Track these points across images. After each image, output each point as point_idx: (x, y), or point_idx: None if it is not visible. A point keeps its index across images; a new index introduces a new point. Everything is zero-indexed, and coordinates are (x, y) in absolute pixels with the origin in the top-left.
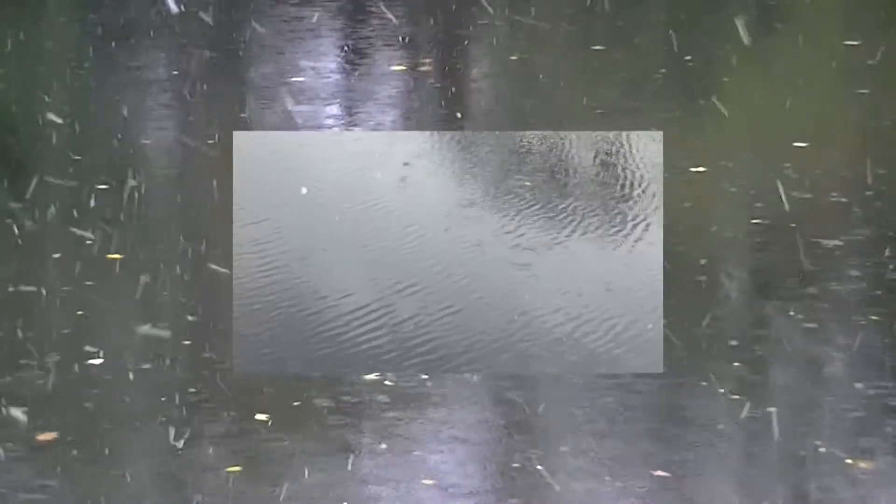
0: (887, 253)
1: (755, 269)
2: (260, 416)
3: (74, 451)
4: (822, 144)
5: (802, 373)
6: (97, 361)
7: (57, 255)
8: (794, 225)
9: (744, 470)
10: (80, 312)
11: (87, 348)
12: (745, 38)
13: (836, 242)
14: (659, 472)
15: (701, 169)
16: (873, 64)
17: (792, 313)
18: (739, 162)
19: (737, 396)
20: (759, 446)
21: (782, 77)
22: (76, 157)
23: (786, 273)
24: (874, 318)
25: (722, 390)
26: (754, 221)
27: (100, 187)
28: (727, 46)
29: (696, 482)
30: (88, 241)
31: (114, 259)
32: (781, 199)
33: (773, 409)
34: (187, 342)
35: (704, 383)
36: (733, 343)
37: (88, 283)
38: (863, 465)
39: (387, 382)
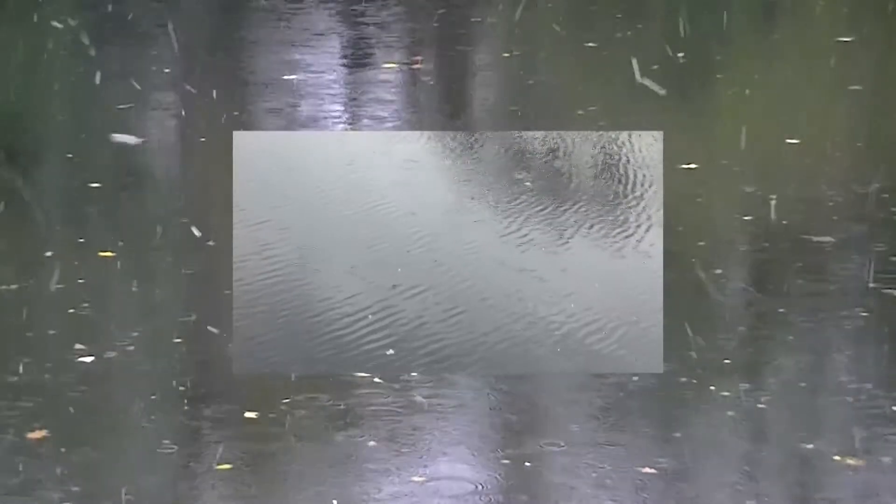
0: (880, 249)
1: (750, 266)
2: (253, 415)
3: (63, 449)
4: (815, 141)
5: (797, 370)
6: (89, 359)
7: (49, 254)
8: (786, 222)
9: (739, 468)
10: (71, 310)
11: (78, 346)
12: (739, 35)
13: (829, 239)
14: (658, 471)
15: (693, 165)
16: (867, 60)
17: (783, 310)
18: (733, 159)
19: (729, 393)
20: (755, 444)
21: (777, 73)
22: (69, 155)
23: (779, 270)
24: (865, 314)
25: (713, 388)
26: (747, 218)
27: (93, 185)
28: (723, 44)
29: (694, 480)
30: (81, 240)
31: (106, 257)
32: (775, 197)
33: (767, 407)
34: (185, 341)
35: (697, 381)
36: (729, 341)
37: (81, 280)
38: (851, 462)
39: (388, 383)
